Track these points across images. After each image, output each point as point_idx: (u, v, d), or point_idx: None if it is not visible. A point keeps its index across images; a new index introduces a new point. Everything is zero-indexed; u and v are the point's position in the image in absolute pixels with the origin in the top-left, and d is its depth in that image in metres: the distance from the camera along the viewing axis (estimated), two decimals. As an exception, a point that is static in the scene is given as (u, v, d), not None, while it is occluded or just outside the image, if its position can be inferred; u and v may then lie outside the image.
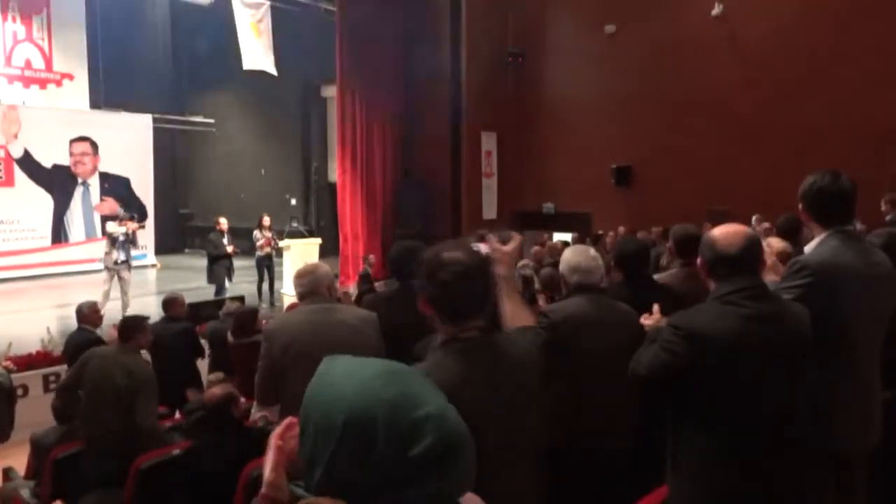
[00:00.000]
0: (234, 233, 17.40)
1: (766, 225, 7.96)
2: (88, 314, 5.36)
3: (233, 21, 12.59)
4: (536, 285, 9.44)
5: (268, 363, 2.88)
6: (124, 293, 9.38)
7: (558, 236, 12.46)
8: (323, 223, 15.50)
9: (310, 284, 3.06)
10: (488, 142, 13.44)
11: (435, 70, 12.98)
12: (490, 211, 13.55)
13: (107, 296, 9.06)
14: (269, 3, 12.80)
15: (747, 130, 11.02)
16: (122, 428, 3.50)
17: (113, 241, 9.54)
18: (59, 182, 14.19)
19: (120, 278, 9.44)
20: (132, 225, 10.07)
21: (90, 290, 9.61)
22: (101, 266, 9.87)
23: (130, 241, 9.83)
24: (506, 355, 1.78)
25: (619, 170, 12.46)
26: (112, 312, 7.99)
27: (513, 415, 1.74)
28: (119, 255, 9.43)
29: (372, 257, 10.72)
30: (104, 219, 14.90)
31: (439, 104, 13.02)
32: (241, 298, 8.15)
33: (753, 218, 9.61)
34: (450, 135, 13.00)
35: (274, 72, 13.19)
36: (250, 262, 10.81)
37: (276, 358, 2.86)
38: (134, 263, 14.91)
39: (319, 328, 2.94)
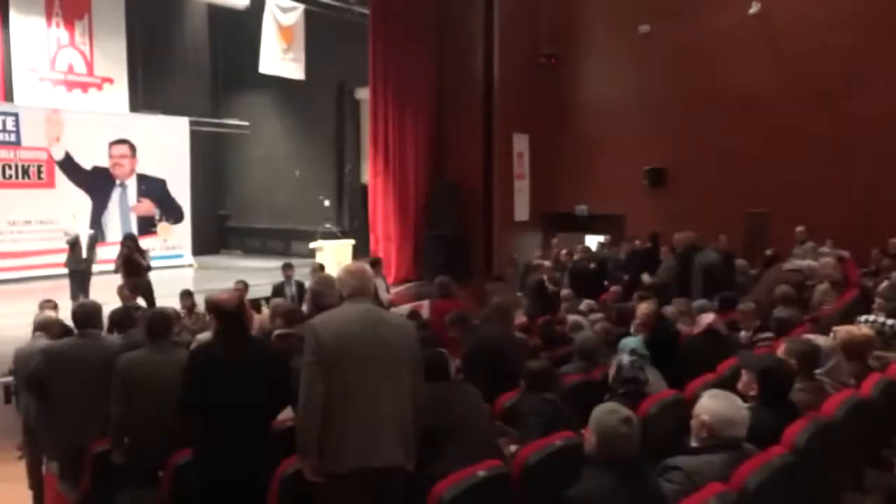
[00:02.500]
0: (268, 234, 17.75)
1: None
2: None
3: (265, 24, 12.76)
4: (562, 290, 9.41)
5: (317, 357, 2.91)
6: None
7: (591, 238, 12.37)
8: (356, 224, 15.59)
9: (360, 282, 3.12)
10: (520, 143, 13.39)
11: (467, 72, 12.98)
12: (522, 213, 13.49)
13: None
14: (303, 7, 12.94)
15: (786, 131, 10.81)
16: (167, 426, 3.53)
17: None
18: (97, 183, 14.50)
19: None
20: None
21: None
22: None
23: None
24: None
25: (653, 171, 12.32)
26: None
27: None
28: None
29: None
30: (140, 220, 15.23)
31: (471, 106, 13.01)
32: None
33: (798, 230, 9.44)
34: (482, 136, 12.98)
35: (301, 76, 13.31)
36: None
37: (326, 348, 2.90)
38: (171, 263, 15.33)
39: (367, 325, 3.00)
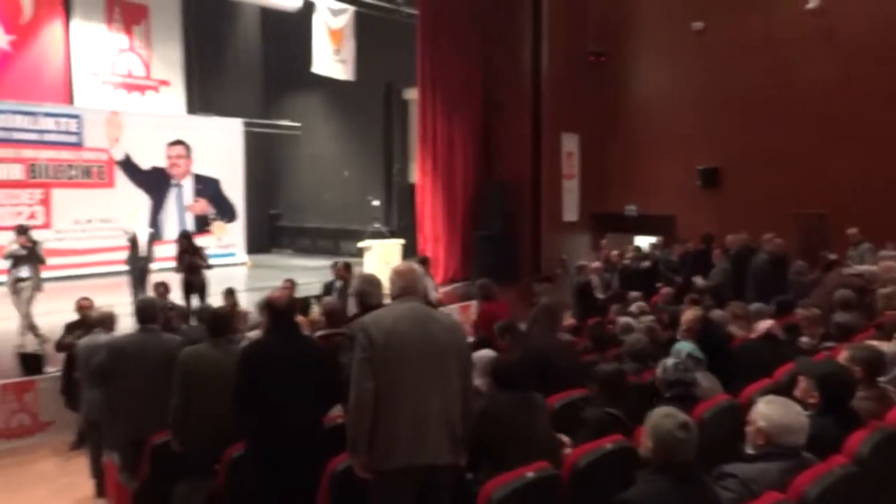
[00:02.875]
0: (318, 233, 18.00)
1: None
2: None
3: (317, 26, 12.95)
4: (601, 293, 9.30)
5: (367, 354, 2.93)
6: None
7: (640, 239, 12.19)
8: (404, 224, 15.68)
9: (409, 282, 3.16)
10: (569, 143, 13.27)
11: (515, 71, 12.93)
12: (571, 213, 13.38)
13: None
14: (352, 9, 13.09)
15: (844, 130, 10.47)
16: (226, 420, 3.62)
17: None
18: (155, 183, 14.94)
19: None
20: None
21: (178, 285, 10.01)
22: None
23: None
24: None
25: (706, 171, 12.07)
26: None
27: None
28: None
29: None
30: (196, 218, 15.62)
31: (520, 105, 12.94)
32: None
33: (850, 231, 9.11)
34: (530, 136, 12.91)
35: (351, 78, 13.44)
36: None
37: (377, 345, 2.92)
38: (224, 262, 15.68)
39: (417, 323, 3.03)
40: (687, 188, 12.18)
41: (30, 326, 7.93)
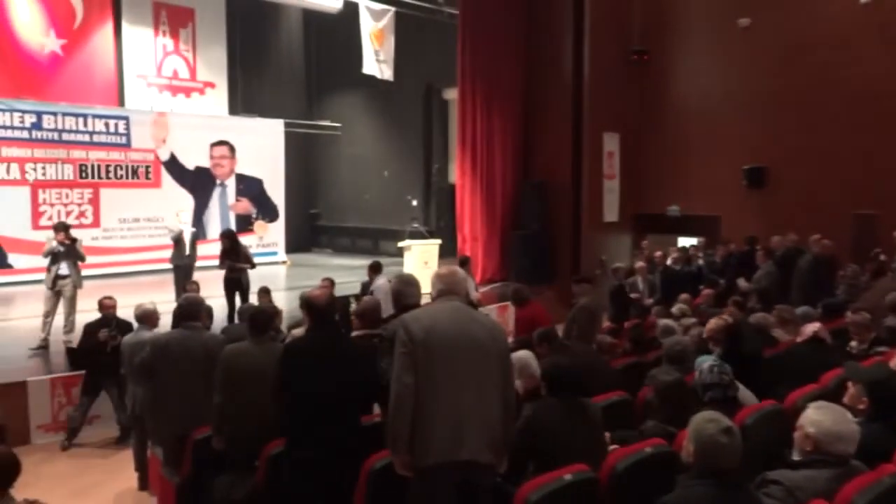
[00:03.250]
0: (357, 233, 18.15)
1: None
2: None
3: (359, 26, 13.06)
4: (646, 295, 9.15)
5: (407, 349, 2.94)
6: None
7: (683, 241, 11.99)
8: (443, 224, 15.71)
9: (450, 283, 3.20)
10: (610, 143, 13.12)
11: (556, 71, 12.84)
12: (611, 213, 13.22)
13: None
14: (394, 9, 13.16)
15: (898, 128, 10.14)
16: (266, 416, 3.67)
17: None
18: (200, 183, 15.23)
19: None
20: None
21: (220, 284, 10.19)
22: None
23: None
24: None
25: (752, 171, 11.80)
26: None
27: None
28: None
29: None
30: (239, 218, 15.89)
31: (560, 105, 12.84)
32: None
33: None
34: (571, 136, 12.79)
35: (391, 78, 13.53)
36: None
37: (417, 342, 2.93)
38: (266, 260, 15.92)
39: (457, 322, 3.04)
40: (732, 188, 11.93)
41: (67, 323, 8.00)
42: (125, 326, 6.45)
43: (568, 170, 12.84)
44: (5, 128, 12.51)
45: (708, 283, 9.05)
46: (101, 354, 6.36)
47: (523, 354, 5.17)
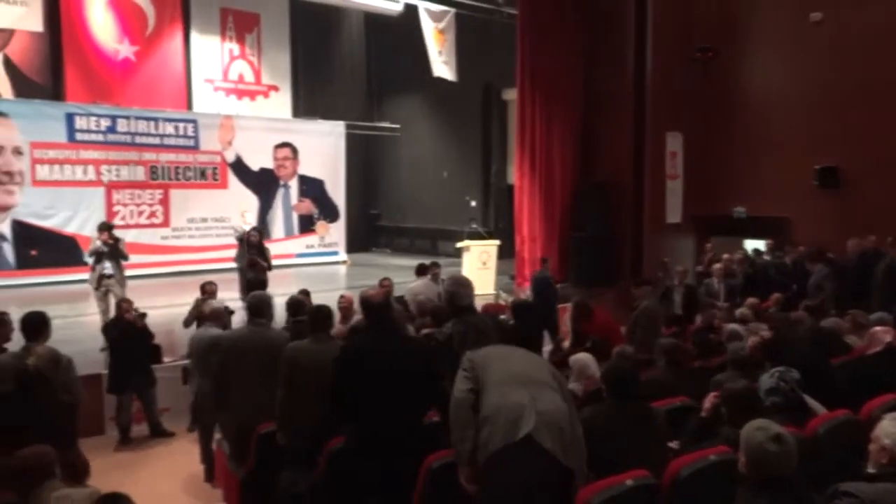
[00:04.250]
0: (416, 233, 18.28)
1: None
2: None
3: (419, 29, 13.16)
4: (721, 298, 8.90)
5: (469, 372, 3.07)
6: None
7: (750, 243, 11.64)
8: (501, 225, 15.68)
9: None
10: (673, 142, 12.83)
11: (618, 70, 12.64)
12: (674, 215, 12.92)
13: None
14: (453, 10, 13.21)
15: None
16: (326, 412, 3.72)
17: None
18: (264, 184, 15.62)
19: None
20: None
21: (286, 281, 10.43)
22: (292, 261, 10.04)
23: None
24: None
25: (824, 170, 11.34)
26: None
27: None
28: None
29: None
30: (301, 218, 16.22)
31: (621, 104, 12.63)
32: None
33: None
34: (632, 136, 12.57)
35: (454, 78, 13.59)
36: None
37: (479, 364, 3.10)
38: (327, 260, 16.21)
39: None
40: (802, 189, 11.50)
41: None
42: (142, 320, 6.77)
43: (629, 170, 12.62)
44: (82, 131, 13.11)
45: (777, 286, 8.75)
46: (128, 351, 6.58)
47: (582, 356, 5.12)
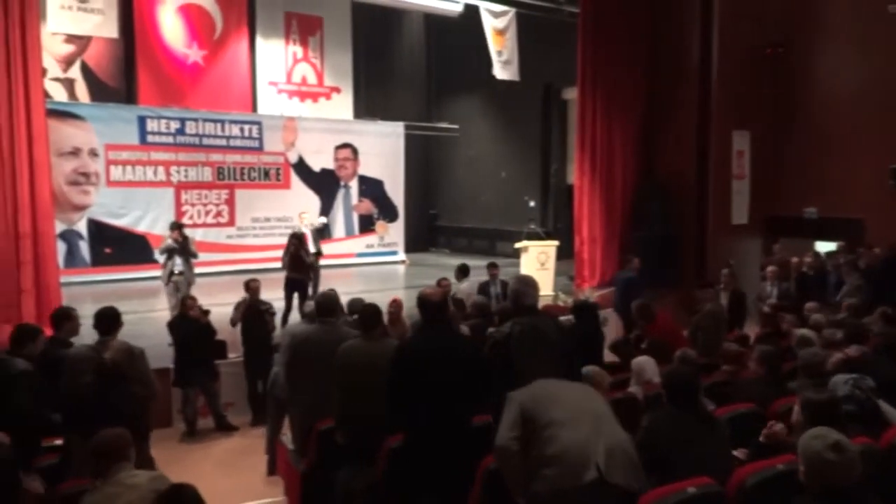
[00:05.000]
0: (474, 233, 18.28)
1: None
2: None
3: (477, 29, 13.15)
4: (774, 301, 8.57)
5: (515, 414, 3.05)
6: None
7: (821, 245, 11.21)
8: (560, 225, 15.53)
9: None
10: (740, 141, 12.46)
11: (682, 67, 12.35)
12: (740, 215, 12.55)
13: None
14: (513, 10, 13.15)
15: None
16: (382, 410, 3.76)
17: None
18: (325, 184, 15.88)
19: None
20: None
21: (347, 281, 10.57)
22: (352, 261, 10.21)
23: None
24: None
25: (901, 170, 10.85)
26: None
27: None
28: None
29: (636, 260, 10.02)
30: (361, 218, 16.42)
31: (685, 102, 12.34)
32: None
33: None
34: (696, 134, 12.26)
35: (516, 78, 13.53)
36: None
37: (527, 408, 3.05)
38: (386, 260, 16.37)
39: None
40: (877, 189, 11.01)
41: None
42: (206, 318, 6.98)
43: (693, 170, 12.32)
44: (153, 133, 13.60)
45: (850, 291, 8.40)
46: (192, 347, 6.79)
47: (641, 359, 5.04)
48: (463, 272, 8.96)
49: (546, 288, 11.23)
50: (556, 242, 12.38)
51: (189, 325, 6.91)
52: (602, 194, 12.58)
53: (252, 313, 7.19)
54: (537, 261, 11.79)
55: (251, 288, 7.37)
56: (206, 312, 7.09)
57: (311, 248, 10.10)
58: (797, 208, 12.19)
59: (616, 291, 9.93)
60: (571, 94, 14.28)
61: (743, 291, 8.68)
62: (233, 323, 7.27)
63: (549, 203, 16.65)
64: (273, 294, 8.74)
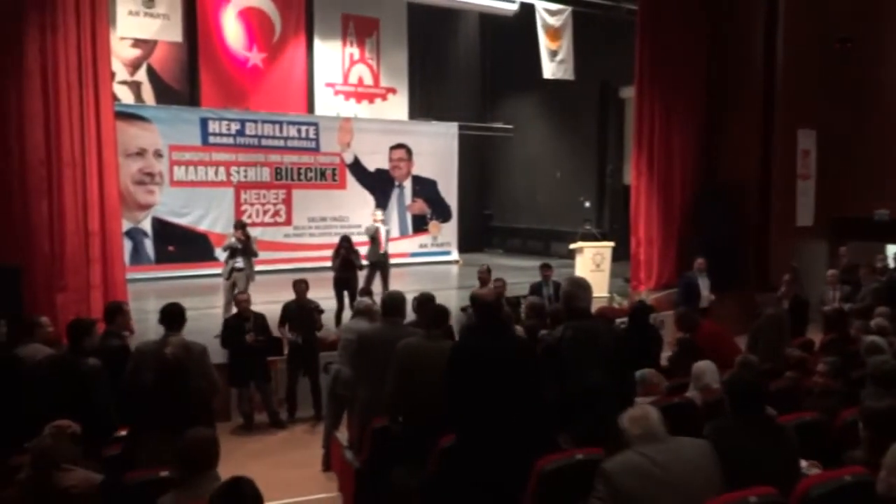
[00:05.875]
0: (528, 234, 18.18)
1: None
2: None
3: (533, 28, 13.06)
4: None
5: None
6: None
7: (893, 249, 10.75)
8: (616, 226, 15.31)
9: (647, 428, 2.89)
10: (806, 140, 12.05)
11: (745, 64, 12.01)
12: (806, 217, 12.14)
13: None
14: (570, 9, 13.01)
15: None
16: (436, 408, 3.77)
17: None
18: (379, 184, 16.04)
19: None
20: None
21: (401, 280, 10.65)
22: (406, 261, 10.36)
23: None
24: None
25: (981, 170, 10.32)
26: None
27: None
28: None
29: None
30: (414, 218, 16.52)
31: (748, 100, 11.99)
32: None
33: None
34: (760, 133, 11.90)
35: (571, 77, 13.38)
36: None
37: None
38: (439, 259, 16.43)
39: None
40: (954, 190, 10.51)
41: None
42: (261, 320, 7.05)
43: (755, 170, 11.96)
44: (215, 135, 13.97)
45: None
46: (247, 351, 6.88)
47: (702, 364, 4.92)
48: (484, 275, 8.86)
49: (601, 290, 11.08)
50: (611, 244, 12.21)
51: (243, 323, 7.00)
52: (660, 195, 12.34)
53: (299, 311, 7.29)
54: (592, 262, 11.65)
55: (298, 289, 7.48)
56: (262, 316, 7.17)
57: (382, 248, 10.27)
58: (867, 210, 11.72)
59: (678, 294, 9.75)
60: (628, 92, 14.06)
61: (804, 297, 8.40)
62: (281, 323, 7.35)
63: (605, 203, 16.44)
64: (328, 292, 8.90)
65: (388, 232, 10.69)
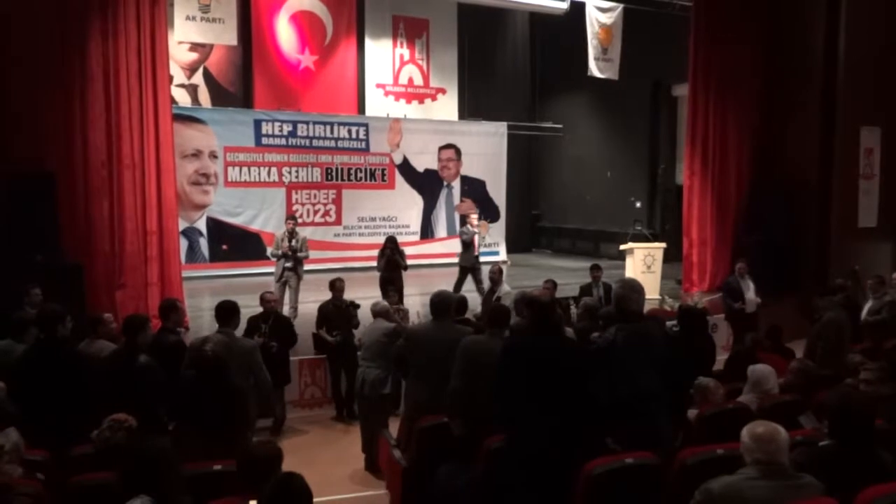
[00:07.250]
0: (578, 234, 17.98)
1: None
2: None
3: (584, 26, 12.89)
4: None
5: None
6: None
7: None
8: (668, 227, 15.02)
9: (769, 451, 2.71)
10: (869, 138, 11.60)
11: (804, 60, 11.63)
12: (868, 218, 11.68)
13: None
14: (621, 6, 12.82)
15: None
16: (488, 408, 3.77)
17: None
18: (428, 184, 16.09)
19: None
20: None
21: (447, 280, 10.64)
22: (454, 260, 10.45)
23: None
24: None
25: None
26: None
27: None
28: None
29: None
30: (462, 218, 16.51)
31: (808, 97, 11.59)
32: None
33: None
34: (820, 131, 11.50)
35: (615, 77, 13.15)
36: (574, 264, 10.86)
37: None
38: (487, 260, 16.32)
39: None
40: None
41: (292, 309, 9.04)
42: (283, 321, 7.12)
43: (815, 169, 11.56)
44: (268, 136, 14.24)
45: None
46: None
47: (761, 367, 4.80)
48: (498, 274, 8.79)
49: (652, 292, 10.89)
50: (662, 245, 11.99)
51: (272, 322, 6.94)
52: (714, 195, 12.04)
53: (336, 311, 7.35)
54: (643, 263, 11.47)
55: (336, 287, 7.53)
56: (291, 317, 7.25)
57: (476, 252, 10.46)
58: (934, 210, 11.23)
59: (723, 296, 9.55)
60: (682, 90, 13.77)
61: (856, 301, 8.09)
62: (318, 325, 7.43)
63: (657, 204, 16.14)
64: (375, 292, 8.97)
65: (482, 238, 10.75)
